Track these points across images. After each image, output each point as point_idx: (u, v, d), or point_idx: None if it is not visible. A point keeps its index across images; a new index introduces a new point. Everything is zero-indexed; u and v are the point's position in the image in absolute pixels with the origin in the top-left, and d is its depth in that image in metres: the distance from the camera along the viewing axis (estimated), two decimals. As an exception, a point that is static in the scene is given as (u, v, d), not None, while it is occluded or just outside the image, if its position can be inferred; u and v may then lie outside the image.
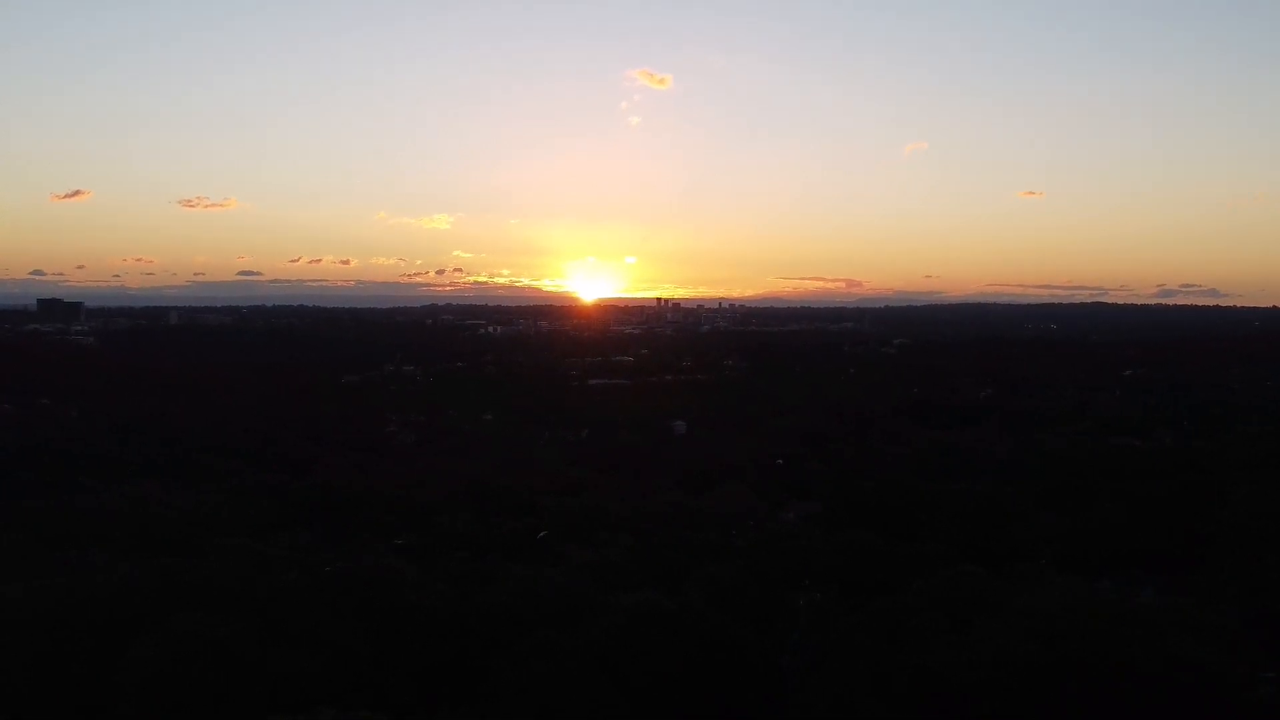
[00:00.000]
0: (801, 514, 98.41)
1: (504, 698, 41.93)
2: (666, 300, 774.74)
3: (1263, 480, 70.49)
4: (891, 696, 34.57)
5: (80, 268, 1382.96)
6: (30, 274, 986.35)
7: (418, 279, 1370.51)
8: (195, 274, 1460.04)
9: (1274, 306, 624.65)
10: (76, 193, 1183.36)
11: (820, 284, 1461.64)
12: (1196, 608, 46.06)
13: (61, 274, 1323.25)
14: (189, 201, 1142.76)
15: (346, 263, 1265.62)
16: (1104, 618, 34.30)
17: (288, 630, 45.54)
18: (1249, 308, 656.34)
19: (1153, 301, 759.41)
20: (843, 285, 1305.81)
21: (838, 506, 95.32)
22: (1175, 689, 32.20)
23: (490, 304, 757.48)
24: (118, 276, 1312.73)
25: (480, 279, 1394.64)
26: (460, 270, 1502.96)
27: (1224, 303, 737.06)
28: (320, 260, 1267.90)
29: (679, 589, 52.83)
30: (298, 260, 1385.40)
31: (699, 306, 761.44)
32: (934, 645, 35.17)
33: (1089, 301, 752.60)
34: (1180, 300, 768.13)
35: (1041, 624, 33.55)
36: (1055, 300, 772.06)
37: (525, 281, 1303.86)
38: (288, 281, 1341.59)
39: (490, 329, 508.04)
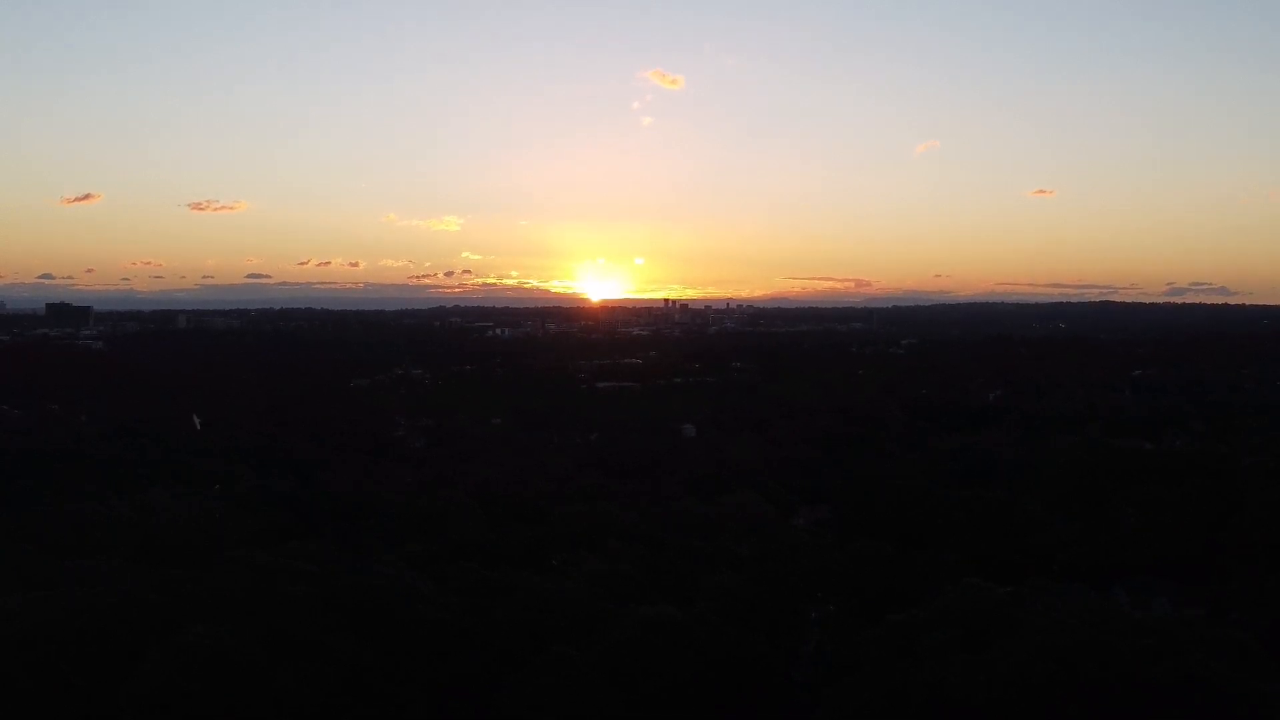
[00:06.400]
0: (812, 520, 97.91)
1: (516, 713, 41.70)
2: (674, 301, 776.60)
3: (1275, 488, 69.95)
4: (907, 713, 34.20)
5: (89, 271, 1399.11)
6: (39, 278, 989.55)
7: (426, 281, 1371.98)
8: (204, 277, 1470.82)
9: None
10: (86, 196, 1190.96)
11: (829, 284, 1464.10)
12: (1211, 622, 45.67)
13: (71, 278, 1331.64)
14: (198, 204, 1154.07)
15: (355, 265, 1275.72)
16: (1120, 634, 33.90)
17: (297, 642, 45.36)
18: (1259, 306, 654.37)
19: (1162, 300, 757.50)
20: (851, 285, 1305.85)
21: (849, 512, 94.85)
22: (1193, 707, 31.81)
23: (498, 306, 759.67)
24: (127, 280, 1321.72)
25: (489, 280, 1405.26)
26: (469, 272, 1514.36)
27: (1233, 301, 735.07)
28: (329, 263, 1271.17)
29: (690, 600, 52.53)
30: (307, 263, 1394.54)
31: (707, 307, 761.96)
32: (949, 662, 34.78)
33: (1098, 300, 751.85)
34: (1190, 299, 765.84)
35: (1058, 641, 33.15)
36: (1064, 299, 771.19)
37: (534, 283, 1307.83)
38: (296, 284, 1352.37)
39: (498, 331, 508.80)
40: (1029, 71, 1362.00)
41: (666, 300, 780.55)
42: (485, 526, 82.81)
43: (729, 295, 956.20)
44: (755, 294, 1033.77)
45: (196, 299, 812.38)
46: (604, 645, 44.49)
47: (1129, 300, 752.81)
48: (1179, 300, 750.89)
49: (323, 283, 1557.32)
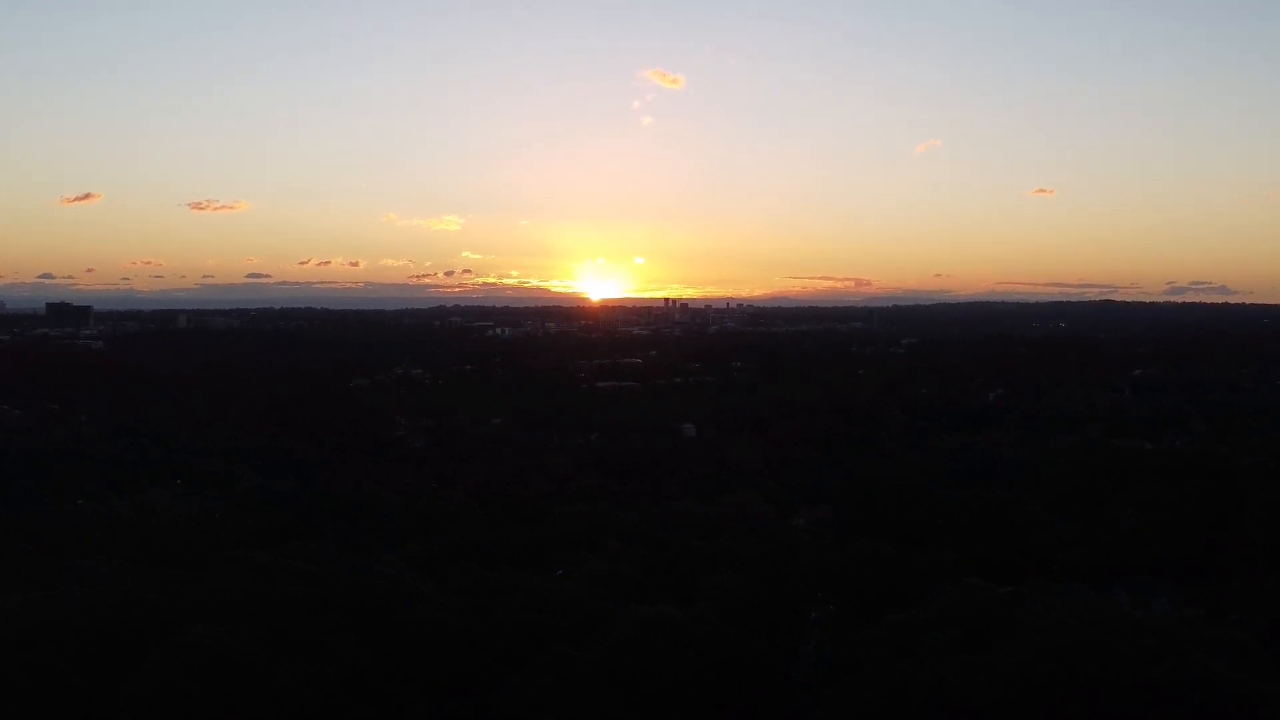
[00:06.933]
0: (812, 520, 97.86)
1: (516, 713, 41.68)
2: (674, 301, 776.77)
3: (1275, 488, 69.97)
4: (907, 713, 34.19)
5: (89, 271, 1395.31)
6: (39, 277, 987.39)
7: (426, 280, 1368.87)
8: (204, 277, 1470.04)
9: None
10: (86, 195, 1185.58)
11: (829, 283, 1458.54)
12: (1211, 622, 45.65)
13: (71, 277, 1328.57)
14: (198, 204, 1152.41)
15: (355, 264, 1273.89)
16: (1120, 634, 33.87)
17: (297, 642, 45.35)
18: (1259, 305, 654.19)
19: (1162, 299, 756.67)
20: (852, 285, 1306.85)
21: (849, 512, 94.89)
22: (1193, 707, 31.80)
23: (498, 305, 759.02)
24: (127, 280, 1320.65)
25: (489, 280, 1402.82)
26: (469, 271, 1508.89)
27: (1233, 300, 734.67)
28: (329, 262, 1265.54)
29: (690, 600, 52.54)
30: (307, 262, 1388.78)
31: (707, 307, 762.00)
32: (949, 662, 34.77)
33: (1098, 300, 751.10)
34: (1190, 298, 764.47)
35: (1058, 641, 33.13)
36: (1064, 299, 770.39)
37: (534, 282, 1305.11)
38: (296, 284, 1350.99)
39: (498, 331, 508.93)
40: (1029, 71, 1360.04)
41: (666, 300, 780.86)
42: (485, 526, 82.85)
43: (729, 295, 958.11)
44: (755, 294, 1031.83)
45: (196, 299, 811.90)
46: (604, 645, 44.48)
47: (1129, 300, 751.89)
48: (1179, 300, 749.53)
49: (323, 282, 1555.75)
